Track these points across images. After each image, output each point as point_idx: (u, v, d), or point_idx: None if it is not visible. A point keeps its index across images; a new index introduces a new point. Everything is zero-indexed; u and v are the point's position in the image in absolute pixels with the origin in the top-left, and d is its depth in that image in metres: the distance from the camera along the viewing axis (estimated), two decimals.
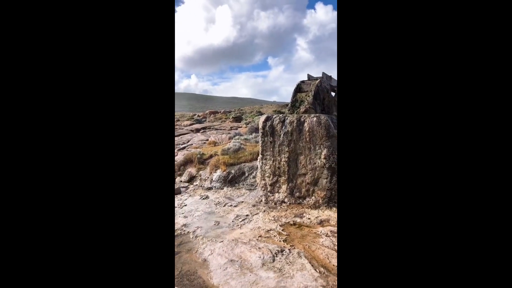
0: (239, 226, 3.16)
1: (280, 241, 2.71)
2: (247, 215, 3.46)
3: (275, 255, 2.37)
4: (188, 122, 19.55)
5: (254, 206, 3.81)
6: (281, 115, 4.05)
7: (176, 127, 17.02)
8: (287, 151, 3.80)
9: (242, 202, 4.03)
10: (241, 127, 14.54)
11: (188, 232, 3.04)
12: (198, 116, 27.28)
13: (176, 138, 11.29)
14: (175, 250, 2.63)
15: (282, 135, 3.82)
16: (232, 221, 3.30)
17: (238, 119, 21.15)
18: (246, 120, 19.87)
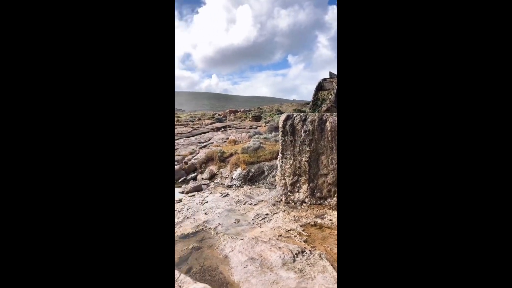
0: (259, 224, 3.17)
1: (300, 241, 2.68)
2: (267, 214, 3.47)
3: (295, 255, 2.35)
4: (209, 121, 20.00)
5: (274, 205, 3.80)
6: (302, 113, 3.99)
7: (197, 125, 17.49)
8: (308, 150, 3.73)
9: (262, 200, 4.04)
10: (260, 126, 14.57)
11: (210, 228, 3.11)
12: (219, 115, 27.79)
13: (197, 137, 11.61)
14: (197, 245, 2.71)
15: (303, 134, 3.76)
16: (252, 219, 3.32)
17: (257, 118, 21.22)
18: (265, 119, 19.85)
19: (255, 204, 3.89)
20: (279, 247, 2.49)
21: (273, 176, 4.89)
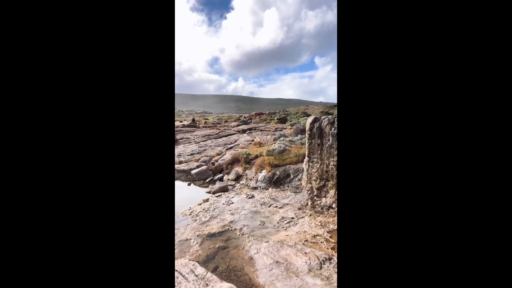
0: (284, 228, 3.14)
1: (328, 248, 2.59)
2: (292, 218, 3.42)
3: (322, 262, 2.28)
4: (235, 123, 20.40)
5: (299, 209, 3.74)
6: (330, 116, 3.87)
7: (224, 127, 17.94)
8: (336, 154, 3.61)
9: (287, 204, 4.00)
10: (285, 128, 14.46)
11: (235, 229, 3.16)
12: (244, 117, 28.19)
13: (224, 138, 11.90)
14: (223, 244, 2.77)
15: (331, 138, 3.65)
16: (277, 222, 3.30)
17: (283, 120, 21.09)
18: (291, 121, 19.66)
19: (280, 207, 3.87)
20: (305, 253, 2.44)
21: (299, 180, 4.81)
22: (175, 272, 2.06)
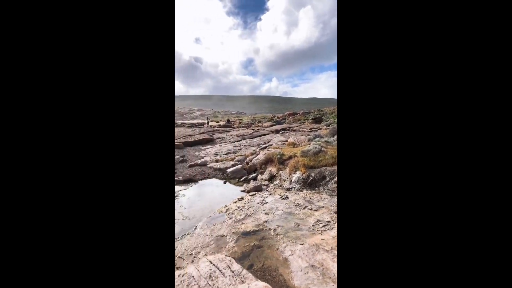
0: (320, 231, 3.05)
1: None
2: (328, 222, 3.30)
3: None
4: (268, 124, 20.47)
5: (336, 213, 3.58)
6: None
7: (257, 128, 18.14)
8: None
9: (323, 207, 3.86)
10: (321, 128, 13.99)
11: (269, 229, 3.18)
12: (278, 117, 28.08)
13: (258, 138, 12.04)
14: (258, 243, 2.81)
15: None
16: (312, 225, 3.22)
17: (317, 120, 20.44)
18: (326, 121, 18.94)
19: (315, 210, 3.76)
20: None
21: (335, 182, 4.62)
22: (212, 266, 2.16)
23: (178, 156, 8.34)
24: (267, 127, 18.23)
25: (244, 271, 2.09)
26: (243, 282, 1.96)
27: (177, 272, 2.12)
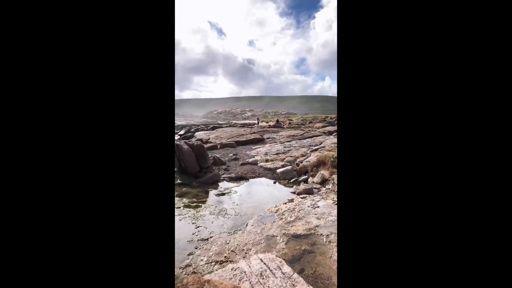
0: None
1: None
2: None
3: None
4: (320, 124, 19.63)
5: None
6: None
7: (308, 128, 17.62)
8: None
9: None
10: None
11: (321, 234, 3.03)
12: (331, 118, 26.67)
13: (309, 140, 11.68)
14: (309, 248, 2.71)
15: None
16: None
17: None
18: None
19: None
20: None
21: None
22: (263, 264, 2.18)
23: (231, 154, 8.80)
24: (318, 128, 17.52)
25: (295, 274, 2.04)
26: (294, 286, 1.92)
27: (230, 265, 2.22)
